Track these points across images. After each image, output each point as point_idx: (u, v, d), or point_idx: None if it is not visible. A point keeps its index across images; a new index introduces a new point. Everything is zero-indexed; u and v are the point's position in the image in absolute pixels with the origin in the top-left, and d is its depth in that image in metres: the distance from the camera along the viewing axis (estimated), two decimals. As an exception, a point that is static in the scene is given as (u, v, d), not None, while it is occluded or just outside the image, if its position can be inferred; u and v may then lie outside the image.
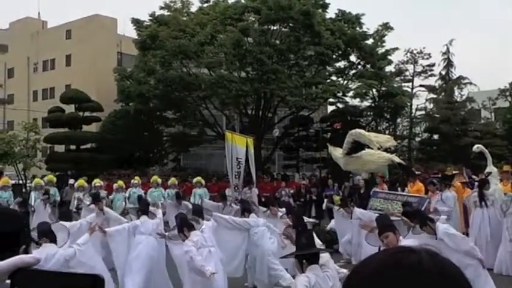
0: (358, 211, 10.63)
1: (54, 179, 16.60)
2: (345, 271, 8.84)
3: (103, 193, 14.96)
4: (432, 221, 6.94)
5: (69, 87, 35.49)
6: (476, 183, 11.72)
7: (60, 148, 31.73)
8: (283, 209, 9.99)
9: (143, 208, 8.55)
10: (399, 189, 15.58)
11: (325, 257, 5.07)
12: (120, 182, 16.03)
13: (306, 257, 4.60)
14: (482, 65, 71.19)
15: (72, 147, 29.94)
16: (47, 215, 11.22)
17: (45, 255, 5.56)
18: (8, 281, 0.88)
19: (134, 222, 8.36)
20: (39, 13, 47.04)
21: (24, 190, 21.53)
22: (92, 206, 10.59)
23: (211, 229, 7.64)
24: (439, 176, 16.24)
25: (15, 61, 43.35)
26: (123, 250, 7.92)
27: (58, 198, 15.24)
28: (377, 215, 8.71)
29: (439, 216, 9.51)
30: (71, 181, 18.26)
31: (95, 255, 7.25)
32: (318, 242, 6.67)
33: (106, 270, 7.11)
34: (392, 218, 6.89)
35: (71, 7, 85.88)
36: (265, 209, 10.55)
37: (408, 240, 5.72)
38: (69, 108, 29.94)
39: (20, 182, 24.69)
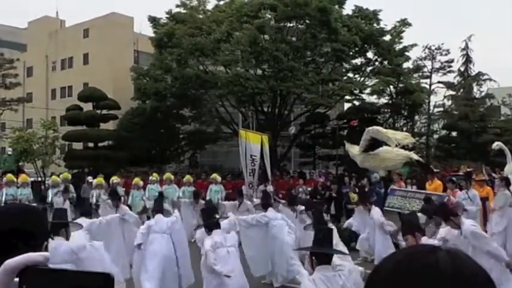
0: (374, 211, 10.50)
1: (69, 176, 16.76)
2: (361, 269, 8.78)
3: (121, 190, 15.09)
4: (456, 215, 6.80)
5: (86, 85, 35.83)
6: (497, 181, 11.47)
7: (78, 146, 32.05)
8: (302, 207, 9.94)
9: (158, 207, 8.48)
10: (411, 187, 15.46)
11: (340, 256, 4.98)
12: (137, 179, 16.12)
13: (316, 255, 4.51)
14: (502, 60, 70.21)
15: (90, 144, 30.22)
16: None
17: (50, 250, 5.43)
18: (17, 279, 0.85)
19: (147, 222, 8.30)
20: (57, 12, 47.81)
21: (43, 187, 21.78)
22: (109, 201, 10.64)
23: (232, 226, 7.66)
24: (460, 174, 16.08)
25: (34, 60, 43.88)
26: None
27: (74, 195, 15.38)
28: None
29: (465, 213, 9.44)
30: (89, 178, 18.44)
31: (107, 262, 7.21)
32: (338, 241, 6.54)
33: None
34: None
35: (89, 6, 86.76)
36: (283, 201, 10.58)
37: (433, 241, 5.59)
38: (87, 106, 30.22)
39: (39, 179, 24.97)
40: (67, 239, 5.95)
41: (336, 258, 4.71)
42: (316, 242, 4.70)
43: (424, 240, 5.46)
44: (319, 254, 4.50)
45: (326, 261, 4.47)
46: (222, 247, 6.55)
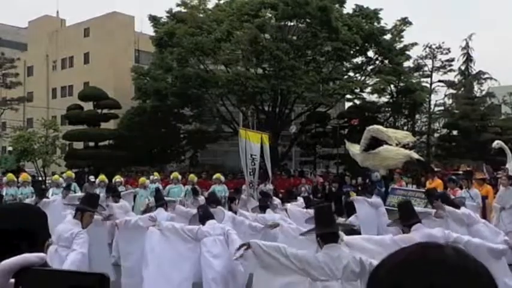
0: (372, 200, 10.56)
1: (73, 175, 16.79)
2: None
3: (122, 189, 15.12)
4: (457, 207, 6.91)
5: (87, 84, 35.87)
6: (504, 180, 11.39)
7: (78, 145, 32.09)
8: (301, 200, 9.96)
9: (158, 201, 8.58)
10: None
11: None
12: (143, 179, 16.14)
13: (321, 236, 4.43)
14: (502, 59, 70.12)
15: (91, 144, 30.25)
16: (60, 209, 11.27)
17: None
18: (12, 280, 0.85)
19: (146, 215, 8.36)
20: (57, 12, 47.70)
21: (44, 186, 21.80)
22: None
23: (230, 218, 7.71)
24: (459, 172, 16.05)
25: (35, 59, 43.93)
26: (128, 242, 7.95)
27: (78, 193, 15.36)
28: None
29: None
30: (91, 178, 18.45)
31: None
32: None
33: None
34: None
35: (89, 5, 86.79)
36: (279, 200, 10.59)
37: (425, 229, 5.50)
38: (88, 106, 30.24)
39: (40, 178, 25.01)
40: (83, 226, 5.86)
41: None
42: (318, 221, 4.63)
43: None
44: (324, 234, 4.42)
45: (332, 239, 4.38)
46: (209, 236, 6.63)
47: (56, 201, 11.93)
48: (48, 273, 0.87)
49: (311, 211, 7.98)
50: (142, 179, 16.11)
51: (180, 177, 16.64)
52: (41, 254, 0.89)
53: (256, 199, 12.23)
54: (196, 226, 6.80)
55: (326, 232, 4.44)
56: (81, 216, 5.81)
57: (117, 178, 15.95)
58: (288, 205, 9.62)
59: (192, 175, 17.02)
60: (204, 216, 6.94)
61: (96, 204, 6.32)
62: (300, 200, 10.49)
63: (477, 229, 6.90)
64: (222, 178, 16.41)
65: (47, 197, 12.25)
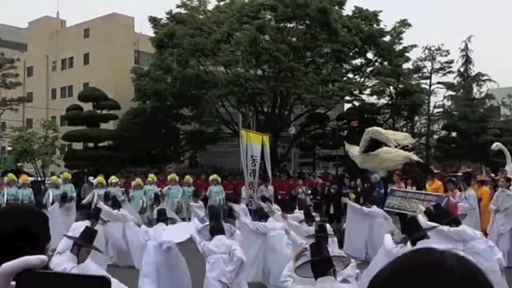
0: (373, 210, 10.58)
1: (69, 176, 16.78)
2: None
3: (119, 190, 15.14)
4: (458, 223, 6.92)
5: (87, 85, 35.85)
6: (502, 182, 11.42)
7: (78, 146, 32.05)
8: (301, 212, 9.84)
9: (160, 217, 8.63)
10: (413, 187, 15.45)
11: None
12: (138, 180, 16.16)
13: (313, 268, 4.33)
14: (502, 61, 70.16)
15: (90, 145, 30.21)
16: (60, 214, 11.34)
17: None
18: (13, 283, 0.86)
19: (146, 228, 8.61)
20: (58, 12, 47.77)
21: (43, 187, 21.78)
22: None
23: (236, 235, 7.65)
24: (458, 174, 16.07)
25: (34, 60, 43.91)
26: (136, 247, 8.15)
27: (74, 195, 15.35)
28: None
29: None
30: (91, 178, 18.45)
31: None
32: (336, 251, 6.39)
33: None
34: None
35: (89, 6, 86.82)
36: (277, 206, 10.56)
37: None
38: (87, 106, 30.21)
39: (39, 179, 24.97)
40: (78, 261, 5.65)
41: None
42: (311, 254, 4.57)
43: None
44: (315, 266, 4.33)
45: (324, 271, 4.28)
46: (213, 254, 6.63)
47: (54, 208, 12.02)
48: (49, 276, 0.87)
49: (310, 228, 7.97)
50: (137, 180, 16.13)
51: (177, 178, 16.69)
52: (42, 256, 0.89)
53: (256, 200, 12.24)
54: (204, 242, 6.82)
55: (317, 260, 4.36)
56: (78, 251, 5.54)
57: (113, 179, 15.94)
58: (289, 218, 9.54)
59: (187, 176, 17.10)
60: (214, 229, 6.88)
61: (93, 240, 6.11)
62: (298, 213, 10.30)
63: (472, 246, 6.80)
64: (219, 179, 16.48)
65: (44, 205, 12.31)
